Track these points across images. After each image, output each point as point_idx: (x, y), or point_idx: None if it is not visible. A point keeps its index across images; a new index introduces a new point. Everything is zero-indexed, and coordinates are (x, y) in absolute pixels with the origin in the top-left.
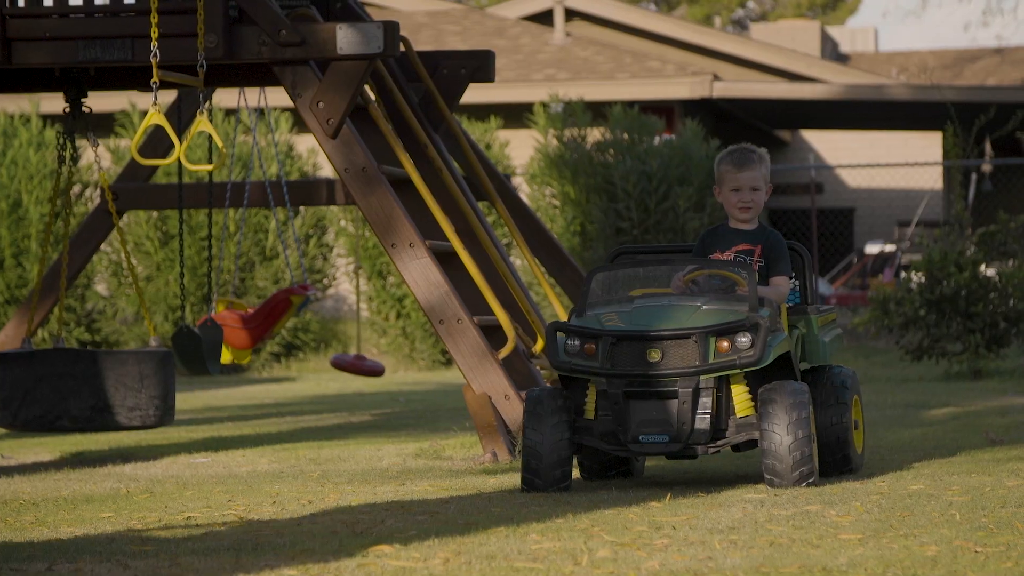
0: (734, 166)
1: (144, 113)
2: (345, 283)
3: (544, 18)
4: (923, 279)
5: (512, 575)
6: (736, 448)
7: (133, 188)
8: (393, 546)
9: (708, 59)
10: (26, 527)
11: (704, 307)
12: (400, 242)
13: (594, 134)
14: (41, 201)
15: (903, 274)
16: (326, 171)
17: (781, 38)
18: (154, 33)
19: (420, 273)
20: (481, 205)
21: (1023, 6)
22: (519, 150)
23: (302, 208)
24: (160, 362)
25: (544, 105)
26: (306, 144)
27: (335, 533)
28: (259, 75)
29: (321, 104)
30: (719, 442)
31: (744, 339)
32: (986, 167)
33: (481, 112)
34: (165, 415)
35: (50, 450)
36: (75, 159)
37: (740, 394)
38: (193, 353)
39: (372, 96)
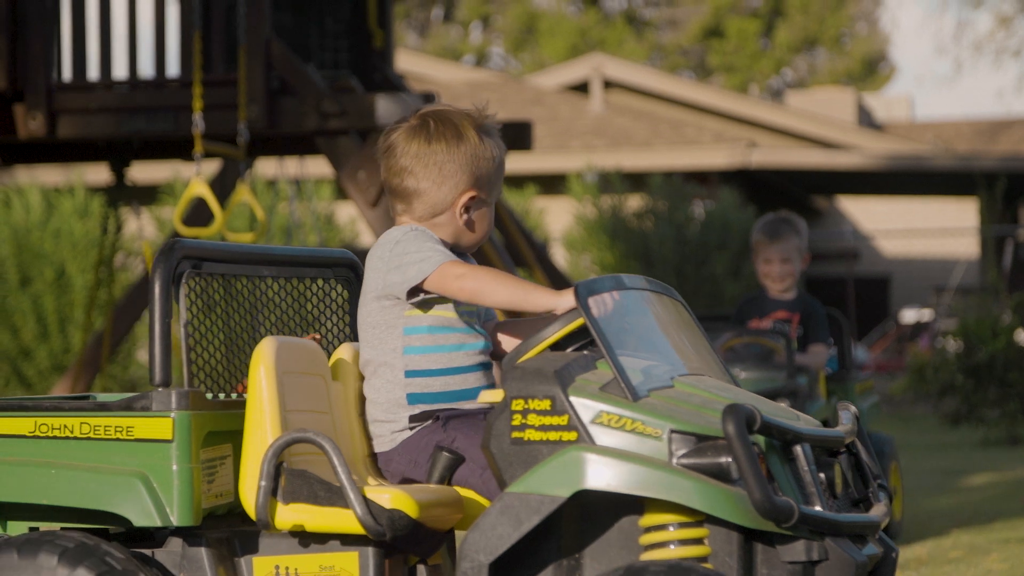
0: (767, 236)
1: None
2: None
3: (582, 88)
4: (960, 346)
5: None
6: None
7: None
8: None
9: (744, 127)
10: None
11: (742, 375)
12: None
13: (633, 201)
14: (85, 270)
15: (940, 341)
16: (366, 239)
17: (817, 106)
18: (197, 105)
19: None
20: (520, 272)
21: None
22: (556, 216)
23: None
24: None
25: (578, 175)
26: (347, 212)
27: None
28: (301, 145)
29: (362, 173)
30: None
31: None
32: (1023, 233)
33: (520, 180)
34: None
35: None
36: (118, 228)
37: None
38: None
39: None
